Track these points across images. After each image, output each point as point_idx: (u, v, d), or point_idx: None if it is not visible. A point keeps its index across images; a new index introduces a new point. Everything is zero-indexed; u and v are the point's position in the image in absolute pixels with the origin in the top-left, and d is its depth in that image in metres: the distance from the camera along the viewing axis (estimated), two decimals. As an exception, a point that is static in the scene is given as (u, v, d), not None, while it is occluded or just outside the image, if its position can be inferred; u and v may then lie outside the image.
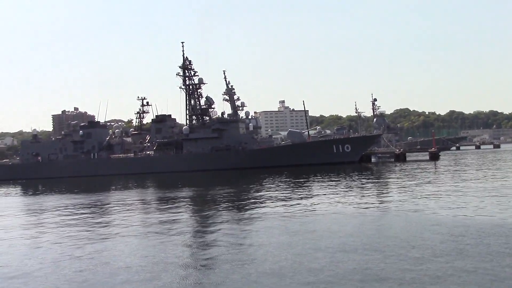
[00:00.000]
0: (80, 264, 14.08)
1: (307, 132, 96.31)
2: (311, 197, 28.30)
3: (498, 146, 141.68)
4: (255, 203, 27.23)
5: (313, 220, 19.59)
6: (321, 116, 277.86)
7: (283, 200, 27.63)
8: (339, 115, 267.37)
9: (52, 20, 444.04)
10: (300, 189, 34.92)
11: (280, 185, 39.09)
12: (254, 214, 22.34)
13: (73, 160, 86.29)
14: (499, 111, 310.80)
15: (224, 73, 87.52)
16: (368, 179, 41.57)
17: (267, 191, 34.64)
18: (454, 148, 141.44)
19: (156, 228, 19.88)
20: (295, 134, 77.78)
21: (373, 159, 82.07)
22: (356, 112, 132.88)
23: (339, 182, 39.11)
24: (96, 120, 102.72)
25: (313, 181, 42.17)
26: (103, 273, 12.85)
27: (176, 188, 43.15)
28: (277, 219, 20.12)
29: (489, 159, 67.46)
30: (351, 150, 73.02)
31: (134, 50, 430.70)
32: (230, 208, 25.64)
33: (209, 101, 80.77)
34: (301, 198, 27.97)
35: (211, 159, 76.38)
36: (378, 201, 25.23)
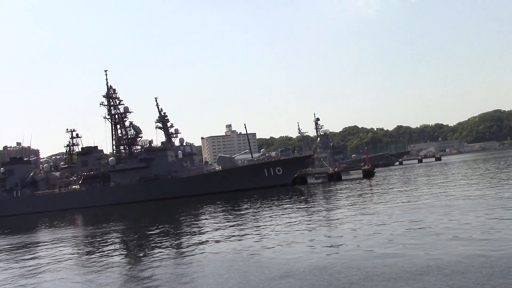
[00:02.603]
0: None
1: (251, 156, 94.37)
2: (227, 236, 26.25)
3: (439, 159, 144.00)
4: (182, 237, 25.62)
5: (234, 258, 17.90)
6: (271, 138, 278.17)
7: (208, 231, 26.15)
8: (289, 136, 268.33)
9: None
10: (226, 219, 32.60)
11: (206, 215, 37.44)
12: (184, 248, 21.35)
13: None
14: (444, 124, 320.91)
15: (156, 100, 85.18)
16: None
17: (192, 223, 32.81)
18: (397, 163, 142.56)
19: (82, 272, 18.50)
20: (225, 159, 75.30)
21: (310, 180, 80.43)
22: (299, 133, 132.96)
23: (253, 210, 37.26)
24: (40, 154, 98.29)
25: (232, 209, 40.18)
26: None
27: (97, 225, 40.22)
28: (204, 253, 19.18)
29: (421, 174, 67.31)
30: (282, 172, 71.20)
31: (64, 82, 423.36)
32: (158, 242, 24.36)
33: (136, 130, 77.53)
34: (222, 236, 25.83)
35: (140, 190, 73.17)
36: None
